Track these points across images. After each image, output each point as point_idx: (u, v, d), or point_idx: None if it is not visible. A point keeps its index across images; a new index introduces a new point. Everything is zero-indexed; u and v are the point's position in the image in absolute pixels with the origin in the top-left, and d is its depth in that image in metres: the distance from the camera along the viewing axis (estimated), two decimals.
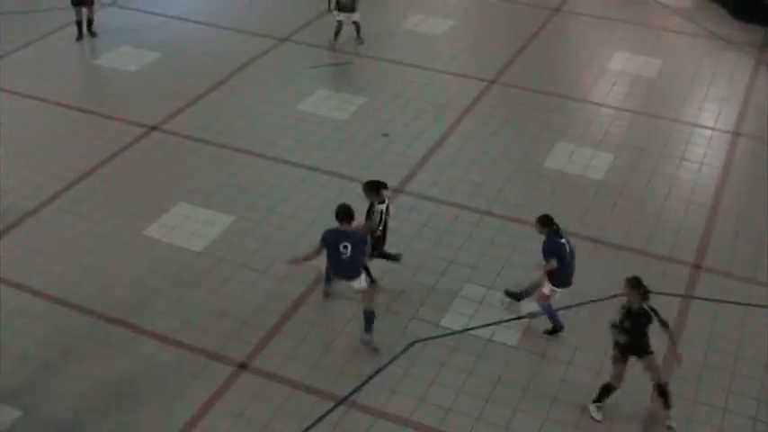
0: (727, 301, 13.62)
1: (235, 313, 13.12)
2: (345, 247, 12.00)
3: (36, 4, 23.21)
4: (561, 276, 12.42)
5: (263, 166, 16.64)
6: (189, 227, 14.93)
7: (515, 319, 13.09)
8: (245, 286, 13.68)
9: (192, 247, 14.44)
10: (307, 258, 12.29)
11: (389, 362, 12.28)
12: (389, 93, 19.21)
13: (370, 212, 13.03)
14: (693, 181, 16.58)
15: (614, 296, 13.38)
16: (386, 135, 17.32)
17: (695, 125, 18.44)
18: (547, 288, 12.54)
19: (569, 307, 13.19)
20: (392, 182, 15.44)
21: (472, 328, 12.90)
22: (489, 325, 12.97)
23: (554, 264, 12.27)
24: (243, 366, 12.18)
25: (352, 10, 21.02)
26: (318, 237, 12.24)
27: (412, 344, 12.59)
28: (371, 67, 20.55)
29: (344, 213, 12.04)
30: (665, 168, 16.91)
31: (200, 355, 12.33)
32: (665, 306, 13.27)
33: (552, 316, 12.79)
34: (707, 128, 18.35)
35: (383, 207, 13.01)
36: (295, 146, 17.23)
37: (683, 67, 20.75)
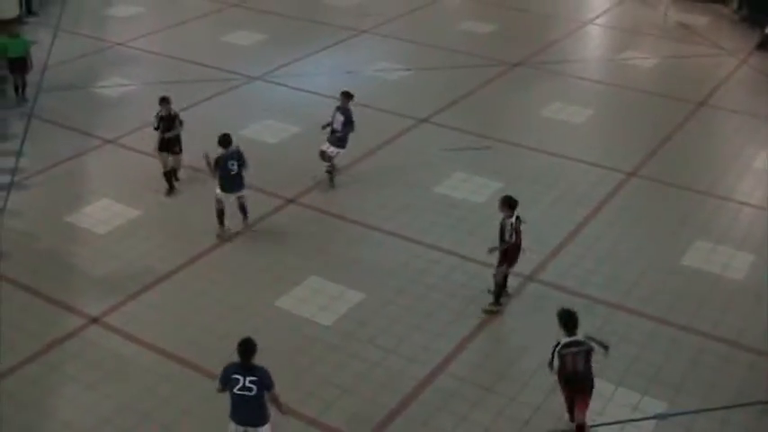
0: None
1: (358, 390, 13.12)
2: (233, 164, 16.22)
3: (186, 75, 24.11)
4: None
5: (396, 245, 16.74)
6: (319, 300, 15.08)
7: (644, 419, 12.71)
8: (370, 364, 13.67)
9: (321, 321, 14.55)
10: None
11: None
12: (526, 179, 19.12)
13: (502, 228, 14.32)
14: None
15: (748, 404, 12.99)
16: (523, 222, 17.17)
17: None
18: None
19: (696, 412, 12.77)
20: (525, 269, 15.36)
21: (599, 425, 12.56)
22: (616, 423, 12.62)
23: None
24: None
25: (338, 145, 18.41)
26: (444, 321, 12.98)
27: None
28: (509, 152, 20.55)
29: (223, 139, 16.28)
30: None
31: (320, 429, 12.33)
32: None
33: None
34: None
35: (512, 221, 14.22)
36: (429, 227, 17.29)
37: None
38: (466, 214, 17.77)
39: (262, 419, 10.92)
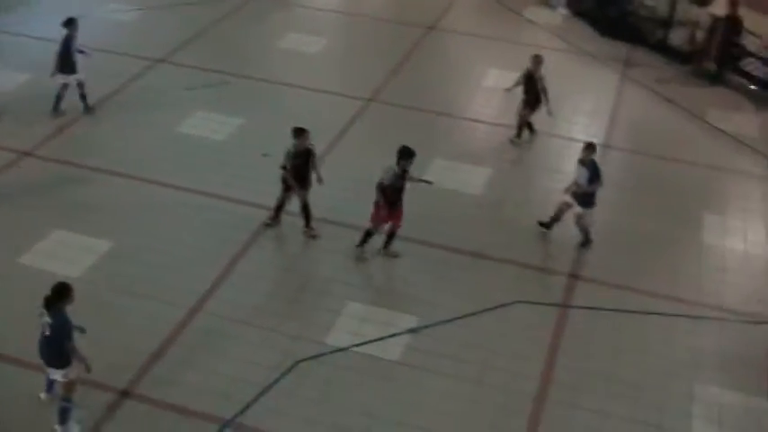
0: (602, 308, 14.08)
1: (115, 339, 12.90)
2: None
3: None
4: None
5: (141, 189, 16.45)
6: (66, 254, 14.64)
7: (397, 334, 13.24)
8: (124, 312, 13.48)
9: (70, 274, 14.12)
10: None
11: (274, 382, 12.28)
12: (267, 112, 19.18)
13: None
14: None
15: (492, 308, 13.80)
16: (266, 155, 17.23)
17: (567, 138, 18.96)
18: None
19: (446, 322, 13.47)
20: (272, 202, 15.43)
21: (355, 345, 13.00)
22: (372, 341, 13.09)
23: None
24: (126, 394, 12.02)
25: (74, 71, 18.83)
26: (197, 262, 12.96)
27: (296, 363, 12.61)
28: (248, 87, 20.51)
29: None
30: (540, 181, 17.35)
31: (83, 385, 12.07)
32: (543, 315, 13.71)
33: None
34: (578, 141, 18.77)
35: (291, 150, 14.87)
36: (174, 168, 17.07)
37: (554, 83, 21.12)
38: (209, 153, 17.66)
39: (55, 362, 11.09)
